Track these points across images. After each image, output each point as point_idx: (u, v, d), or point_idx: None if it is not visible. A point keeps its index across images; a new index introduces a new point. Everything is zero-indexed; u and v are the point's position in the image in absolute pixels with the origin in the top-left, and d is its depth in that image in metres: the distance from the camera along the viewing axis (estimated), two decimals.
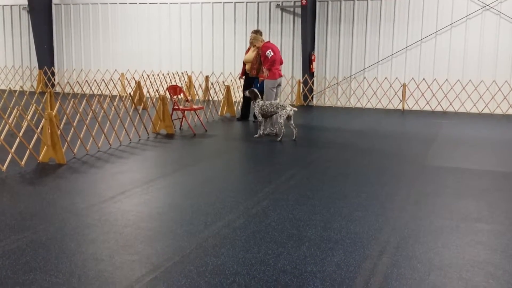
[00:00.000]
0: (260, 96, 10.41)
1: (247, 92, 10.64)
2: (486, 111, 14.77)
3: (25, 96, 11.51)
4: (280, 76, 11.32)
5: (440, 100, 15.12)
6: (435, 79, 15.15)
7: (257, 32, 11.88)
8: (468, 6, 14.68)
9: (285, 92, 16.66)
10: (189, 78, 16.90)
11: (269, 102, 10.29)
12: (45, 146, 7.94)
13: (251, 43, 11.74)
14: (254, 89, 10.60)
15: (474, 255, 4.64)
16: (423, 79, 15.24)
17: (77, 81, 15.90)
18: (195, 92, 16.77)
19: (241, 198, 6.36)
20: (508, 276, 4.22)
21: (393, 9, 15.42)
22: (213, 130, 11.29)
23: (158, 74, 17.13)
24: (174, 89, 11.42)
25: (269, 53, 11.00)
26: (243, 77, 12.38)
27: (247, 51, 12.31)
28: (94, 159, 8.33)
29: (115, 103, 10.25)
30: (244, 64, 12.19)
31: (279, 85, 11.32)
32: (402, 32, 15.42)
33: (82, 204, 5.96)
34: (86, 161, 8.22)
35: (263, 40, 11.55)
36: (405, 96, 15.38)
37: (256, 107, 10.30)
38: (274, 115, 10.29)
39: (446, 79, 15.04)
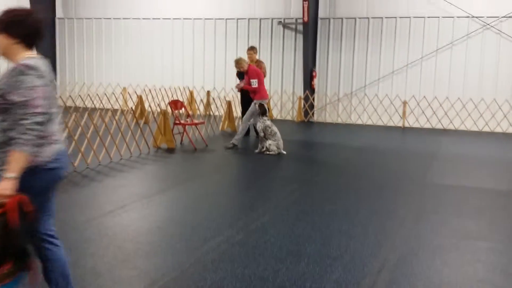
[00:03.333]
0: (267, 113, 10.41)
1: (256, 105, 10.55)
2: (486, 129, 14.80)
3: None
4: (267, 96, 11.30)
5: (440, 117, 15.15)
6: (435, 96, 15.20)
7: (253, 49, 12.03)
8: (468, 25, 14.77)
9: (286, 108, 16.70)
10: (191, 93, 16.97)
11: (273, 128, 10.23)
12: None
13: (235, 66, 11.58)
14: (264, 104, 10.61)
15: (473, 273, 4.63)
16: (424, 96, 15.29)
17: (79, 95, 15.97)
18: (197, 107, 16.83)
19: (240, 213, 6.36)
20: None
21: (394, 27, 15.52)
22: (213, 145, 11.32)
23: (159, 88, 17.20)
24: (175, 104, 11.46)
25: (254, 83, 10.90)
26: (239, 90, 12.34)
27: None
28: (94, 173, 8.35)
29: (116, 117, 10.28)
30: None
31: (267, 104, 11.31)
32: (403, 50, 15.49)
33: (81, 217, 5.96)
34: (87, 174, 8.23)
35: (247, 63, 11.38)
36: (405, 113, 15.42)
37: (261, 124, 10.30)
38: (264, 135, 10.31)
39: (447, 97, 15.08)
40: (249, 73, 10.98)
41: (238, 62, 11.15)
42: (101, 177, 8.11)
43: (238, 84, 11.61)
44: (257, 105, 10.61)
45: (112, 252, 4.91)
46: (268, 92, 11.32)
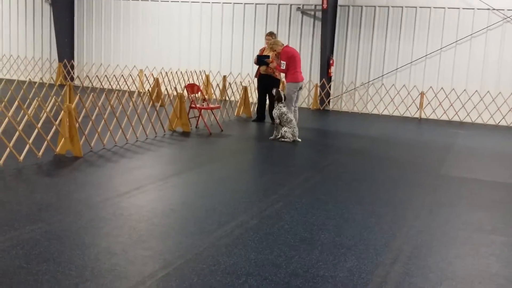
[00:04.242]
0: (283, 100, 10.39)
1: (274, 91, 10.57)
2: (503, 123, 14.65)
3: (44, 88, 11.62)
4: (303, 79, 11.32)
5: (457, 110, 15.01)
6: (453, 88, 15.05)
7: (272, 34, 12.02)
8: (489, 17, 14.56)
9: (302, 96, 16.61)
10: (207, 77, 16.95)
11: (289, 116, 10.20)
12: (63, 139, 8.01)
13: (270, 48, 11.73)
14: (281, 90, 10.61)
15: (486, 266, 4.61)
16: (442, 88, 15.15)
17: (96, 75, 16.02)
18: (213, 92, 16.82)
19: (255, 199, 6.38)
20: None
21: (414, 17, 15.34)
22: (229, 130, 11.33)
23: (176, 72, 17.20)
24: (192, 88, 11.47)
25: (283, 65, 11.08)
26: (257, 77, 12.34)
27: (261, 53, 12.24)
28: (110, 154, 8.40)
29: (133, 99, 10.32)
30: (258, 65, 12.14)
31: (301, 88, 11.31)
32: (422, 40, 15.33)
33: (97, 197, 6.01)
34: (103, 155, 8.28)
35: (282, 44, 11.56)
36: (422, 104, 15.30)
37: (277, 110, 10.27)
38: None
39: (465, 89, 14.93)
40: (280, 55, 11.30)
41: (275, 43, 11.50)
42: (116, 157, 8.16)
43: (271, 63, 11.68)
44: (274, 91, 10.61)
45: (127, 232, 4.95)
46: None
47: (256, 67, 12.53)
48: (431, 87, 15.28)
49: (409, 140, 11.69)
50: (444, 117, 15.19)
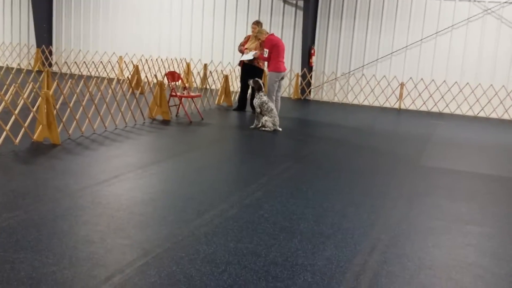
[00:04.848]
0: (263, 89, 10.38)
1: (250, 82, 10.59)
2: (482, 114, 14.82)
3: (22, 74, 11.44)
4: (285, 69, 11.29)
5: (437, 101, 15.15)
6: (433, 80, 15.17)
7: (258, 23, 11.94)
8: (470, 9, 14.68)
9: (283, 85, 16.61)
10: (188, 65, 16.85)
11: (269, 105, 10.19)
12: (40, 126, 7.90)
13: (255, 36, 11.71)
14: (259, 79, 10.58)
15: (464, 256, 4.67)
16: (421, 79, 15.26)
17: (75, 62, 15.81)
18: (193, 80, 16.72)
19: (234, 188, 6.37)
20: (496, 279, 4.25)
21: (395, 7, 15.40)
22: (209, 119, 11.28)
23: (156, 59, 17.06)
24: (172, 75, 11.38)
25: (265, 53, 11.07)
26: (241, 65, 12.30)
27: (246, 41, 12.22)
28: (89, 141, 8.31)
29: (112, 86, 10.21)
30: (242, 53, 12.11)
31: (283, 78, 11.28)
32: (403, 31, 15.41)
33: (75, 185, 5.95)
34: (81, 142, 8.19)
35: (267, 33, 11.55)
36: (402, 95, 15.40)
37: (258, 99, 10.25)
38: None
39: (444, 81, 15.06)
40: (264, 43, 11.32)
41: (260, 31, 11.62)
42: (95, 145, 8.08)
43: (256, 53, 11.61)
44: (250, 82, 10.61)
45: (105, 221, 4.91)
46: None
47: (239, 55, 12.48)
48: (411, 78, 15.39)
49: (389, 130, 11.77)
50: (424, 108, 15.32)
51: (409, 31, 15.35)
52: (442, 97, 15.09)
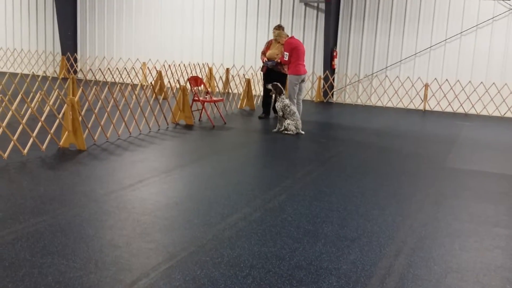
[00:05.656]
0: (284, 92, 10.37)
1: (269, 86, 10.59)
2: (508, 114, 14.58)
3: (48, 82, 11.62)
4: (305, 72, 11.23)
5: (462, 102, 14.95)
6: (458, 80, 14.98)
7: (279, 27, 11.88)
8: (494, 7, 14.47)
9: (305, 88, 16.58)
10: (210, 70, 16.93)
11: (292, 108, 10.17)
12: (66, 132, 8.01)
13: (275, 40, 11.71)
14: (278, 83, 10.56)
15: (491, 259, 4.59)
16: (446, 80, 15.08)
17: (99, 68, 16.01)
18: (215, 84, 16.80)
19: (258, 191, 6.37)
20: None
21: (419, 8, 15.26)
22: (232, 123, 11.31)
23: (179, 64, 17.18)
24: (195, 80, 11.44)
25: (286, 56, 11.05)
26: (263, 71, 12.25)
27: (268, 46, 12.18)
28: (113, 147, 8.40)
29: (136, 92, 10.30)
30: (263, 62, 12.04)
31: (303, 81, 11.23)
32: (427, 32, 15.25)
33: (101, 190, 6.01)
34: (106, 148, 8.28)
35: (287, 36, 11.54)
36: (427, 96, 15.24)
37: (279, 103, 10.23)
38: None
39: (470, 81, 14.86)
40: (284, 46, 11.29)
41: (279, 34, 11.66)
42: (120, 151, 8.16)
43: (273, 62, 11.65)
44: (269, 86, 10.60)
45: (131, 225, 4.95)
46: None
47: (260, 60, 12.45)
48: (435, 78, 15.22)
49: (413, 132, 11.64)
50: (449, 109, 15.14)
51: (432, 31, 15.19)
52: (468, 97, 14.88)
